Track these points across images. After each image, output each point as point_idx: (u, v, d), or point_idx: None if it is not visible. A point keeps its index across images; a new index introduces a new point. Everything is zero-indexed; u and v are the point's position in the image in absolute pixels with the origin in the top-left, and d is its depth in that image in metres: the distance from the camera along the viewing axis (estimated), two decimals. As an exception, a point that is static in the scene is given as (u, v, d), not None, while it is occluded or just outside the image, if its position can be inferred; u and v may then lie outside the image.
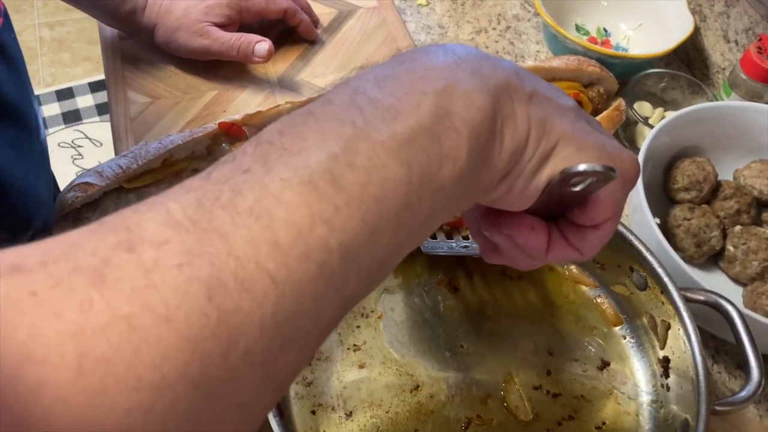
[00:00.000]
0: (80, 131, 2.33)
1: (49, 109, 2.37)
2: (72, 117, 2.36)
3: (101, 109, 2.40)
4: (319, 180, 0.26)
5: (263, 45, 0.80)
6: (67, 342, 0.20)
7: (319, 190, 0.26)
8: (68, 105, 2.40)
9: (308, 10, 0.90)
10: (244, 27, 0.83)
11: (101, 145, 2.30)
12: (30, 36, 2.60)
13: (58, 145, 2.27)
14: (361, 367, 0.60)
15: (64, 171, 2.16)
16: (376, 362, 0.61)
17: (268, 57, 0.81)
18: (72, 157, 2.24)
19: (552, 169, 0.34)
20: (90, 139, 2.31)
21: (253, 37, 0.81)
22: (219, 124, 0.68)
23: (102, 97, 2.43)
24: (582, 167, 0.33)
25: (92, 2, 0.80)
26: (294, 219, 0.25)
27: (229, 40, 0.80)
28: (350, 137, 0.28)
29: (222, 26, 0.80)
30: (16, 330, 0.19)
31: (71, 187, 0.64)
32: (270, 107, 0.71)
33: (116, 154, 0.77)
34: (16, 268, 0.21)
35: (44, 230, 0.70)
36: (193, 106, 0.80)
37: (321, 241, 0.25)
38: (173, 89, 0.82)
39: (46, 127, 0.78)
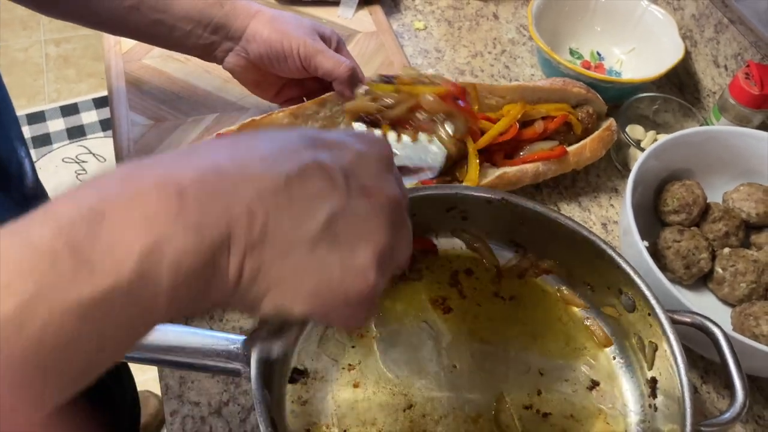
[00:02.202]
0: (84, 147, 2.36)
1: (54, 125, 2.40)
2: (76, 132, 2.39)
3: (105, 124, 2.43)
4: None
5: (362, 88, 0.75)
6: None
7: None
8: (73, 121, 2.43)
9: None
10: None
11: (105, 160, 2.32)
12: (36, 52, 2.63)
13: (62, 160, 2.30)
14: (356, 386, 0.62)
15: (69, 186, 2.18)
16: (370, 382, 0.62)
17: (354, 98, 0.75)
18: (76, 172, 2.26)
19: (265, 307, 0.35)
20: (94, 154, 2.34)
21: (359, 70, 0.77)
22: (216, 134, 0.70)
23: (106, 113, 2.46)
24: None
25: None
26: None
27: (340, 58, 0.76)
28: (29, 297, 0.27)
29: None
30: None
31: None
32: (263, 116, 0.73)
33: (119, 175, 0.79)
34: None
35: None
36: (195, 128, 0.82)
37: None
38: (176, 111, 0.84)
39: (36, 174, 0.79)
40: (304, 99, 0.83)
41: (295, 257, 0.35)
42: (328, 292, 0.36)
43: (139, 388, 1.71)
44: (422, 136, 0.59)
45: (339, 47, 0.79)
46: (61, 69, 2.60)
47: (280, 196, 0.34)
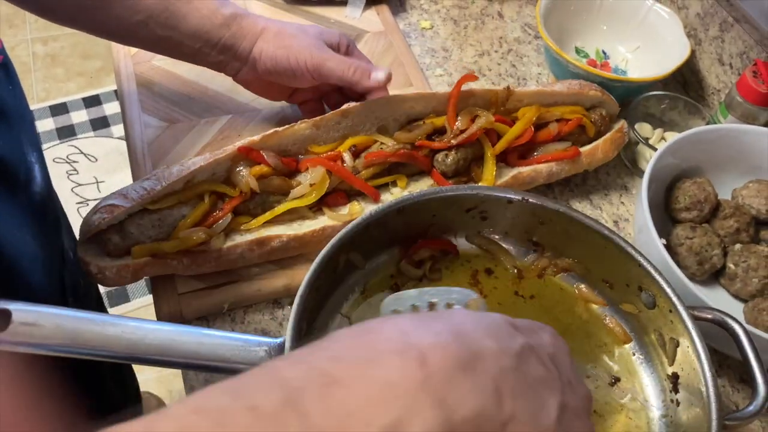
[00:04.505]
0: (75, 146, 2.33)
1: (43, 125, 2.38)
2: (66, 132, 2.37)
3: (95, 124, 2.40)
4: None
5: (381, 72, 0.77)
6: None
7: None
8: (62, 120, 2.40)
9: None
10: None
11: (96, 160, 2.30)
12: (23, 51, 2.60)
13: (53, 160, 2.27)
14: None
15: (60, 186, 2.16)
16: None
17: (386, 82, 0.77)
18: (67, 172, 2.24)
19: None
20: (85, 154, 2.32)
21: (371, 66, 0.78)
22: (238, 148, 0.70)
23: (96, 112, 2.44)
24: None
25: (185, 19, 0.73)
26: None
27: (347, 61, 0.76)
28: None
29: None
30: None
31: (97, 209, 0.66)
32: (285, 127, 0.73)
33: (133, 177, 0.78)
34: None
35: (47, 289, 0.71)
36: (209, 130, 0.82)
37: None
38: (189, 113, 0.84)
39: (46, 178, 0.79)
40: (324, 106, 0.83)
41: None
42: None
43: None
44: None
45: (349, 50, 0.79)
46: (49, 68, 2.57)
47: (516, 375, 0.32)
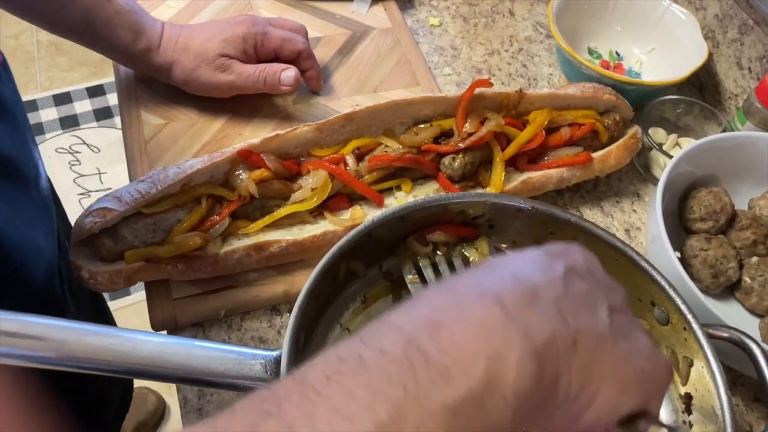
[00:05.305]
0: (78, 137, 2.31)
1: (47, 114, 2.35)
2: (69, 122, 2.35)
3: (99, 114, 2.38)
4: None
5: (289, 72, 0.79)
6: None
7: None
8: (66, 110, 2.38)
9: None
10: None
11: (99, 151, 2.28)
12: (27, 40, 2.58)
13: (56, 150, 2.25)
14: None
15: (62, 177, 2.15)
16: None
17: (296, 84, 0.79)
18: (69, 162, 2.22)
19: (596, 411, 0.36)
20: (88, 144, 2.29)
21: (278, 66, 0.79)
22: (238, 151, 0.67)
23: (100, 102, 2.41)
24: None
25: (106, 41, 0.77)
26: None
27: (254, 73, 0.78)
28: (400, 402, 0.29)
29: (240, 62, 0.78)
30: None
31: (89, 212, 0.64)
32: (287, 130, 0.70)
33: (130, 176, 0.76)
34: None
35: (49, 287, 0.69)
36: (208, 128, 0.80)
37: None
38: (187, 111, 0.81)
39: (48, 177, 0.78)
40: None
41: (608, 347, 0.36)
42: (647, 367, 0.38)
43: (136, 385, 1.69)
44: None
45: (259, 44, 0.80)
46: (53, 57, 2.55)
47: (568, 297, 0.36)
